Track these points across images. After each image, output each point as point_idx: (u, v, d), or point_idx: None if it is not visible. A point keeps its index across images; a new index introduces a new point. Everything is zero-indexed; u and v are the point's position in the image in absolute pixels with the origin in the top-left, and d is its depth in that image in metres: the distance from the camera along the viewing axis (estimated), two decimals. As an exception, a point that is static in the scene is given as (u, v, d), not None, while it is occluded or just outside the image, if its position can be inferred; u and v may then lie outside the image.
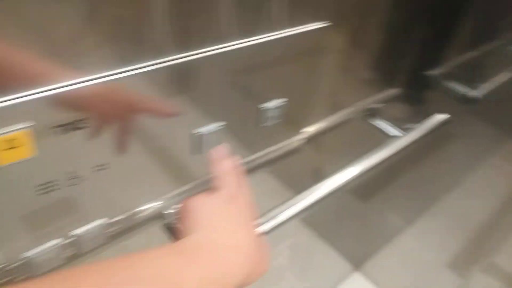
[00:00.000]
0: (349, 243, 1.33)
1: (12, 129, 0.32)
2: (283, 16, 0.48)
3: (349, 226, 1.31)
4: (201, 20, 0.41)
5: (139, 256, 0.27)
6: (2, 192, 0.35)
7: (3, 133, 0.32)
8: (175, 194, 0.53)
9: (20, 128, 0.33)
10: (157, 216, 0.53)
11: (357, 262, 1.35)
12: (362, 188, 1.23)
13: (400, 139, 0.82)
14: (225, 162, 0.43)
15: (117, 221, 0.47)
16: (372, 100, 0.84)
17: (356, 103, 0.80)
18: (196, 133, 0.47)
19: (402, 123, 0.88)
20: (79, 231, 0.43)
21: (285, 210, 0.63)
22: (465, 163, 1.41)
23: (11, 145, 0.33)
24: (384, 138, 0.86)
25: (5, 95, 0.32)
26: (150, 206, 0.51)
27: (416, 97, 0.99)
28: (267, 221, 0.59)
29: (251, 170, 0.64)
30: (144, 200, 0.49)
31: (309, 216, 1.13)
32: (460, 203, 1.42)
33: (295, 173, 0.82)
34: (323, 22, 0.53)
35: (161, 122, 0.44)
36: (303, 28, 0.51)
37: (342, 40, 0.62)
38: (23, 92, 0.32)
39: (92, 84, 0.35)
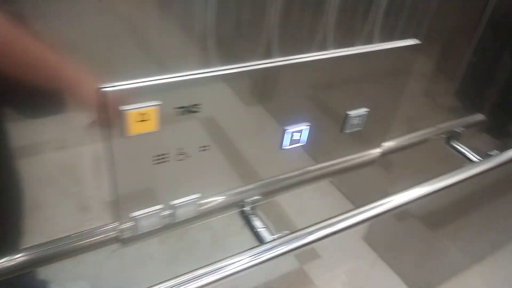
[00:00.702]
0: (412, 270, 1.32)
1: (146, 105, 0.41)
2: (375, 31, 0.53)
3: (414, 253, 1.31)
4: (304, 30, 0.47)
5: None
6: (127, 157, 0.43)
7: (139, 108, 0.40)
8: (257, 186, 0.60)
9: (151, 105, 0.41)
10: (239, 202, 0.60)
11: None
12: (431, 217, 1.22)
13: (474, 165, 0.82)
14: None
15: (208, 201, 0.54)
16: (453, 124, 0.86)
17: (436, 124, 0.83)
18: (285, 130, 0.53)
19: (481, 150, 0.88)
20: (177, 201, 0.50)
21: (342, 221, 0.66)
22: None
23: (142, 118, 0.41)
24: (460, 163, 0.86)
25: (142, 78, 0.40)
26: (235, 192, 0.58)
27: (499, 125, 0.98)
28: (321, 229, 0.63)
29: (322, 176, 0.69)
30: (230, 186, 0.56)
31: (374, 241, 1.15)
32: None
33: (360, 188, 0.85)
34: (412, 40, 0.58)
35: (255, 118, 0.51)
36: (392, 44, 0.56)
37: (429, 59, 0.66)
38: (156, 76, 0.41)
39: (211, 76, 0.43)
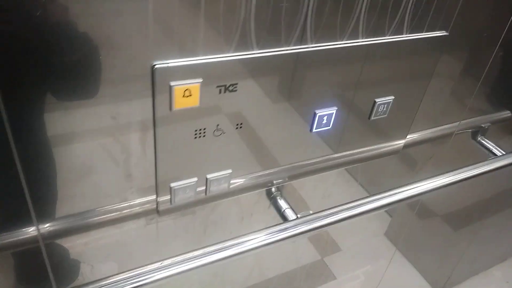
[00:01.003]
0: (433, 267, 1.35)
1: (191, 82, 0.46)
2: (405, 22, 0.57)
3: (435, 251, 1.33)
4: (337, 19, 0.51)
5: None
6: (170, 130, 0.48)
7: (185, 84, 0.45)
8: (284, 168, 0.64)
9: (195, 82, 0.46)
10: (267, 182, 0.64)
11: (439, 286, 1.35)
12: (454, 216, 1.24)
13: (497, 159, 0.84)
14: None
15: (238, 178, 0.59)
16: (479, 119, 0.88)
17: (462, 119, 0.85)
18: (315, 113, 0.58)
19: (508, 147, 0.90)
20: (211, 175, 0.55)
21: (363, 205, 0.69)
22: None
23: (186, 94, 0.46)
24: (484, 157, 0.88)
25: (189, 57, 0.45)
26: (263, 173, 0.62)
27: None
28: (342, 211, 0.67)
29: (346, 163, 0.72)
30: (260, 165, 0.61)
31: (395, 236, 1.18)
32: None
33: (382, 179, 0.88)
34: (440, 32, 0.61)
35: (286, 100, 0.55)
36: (421, 35, 0.60)
37: (456, 52, 0.69)
38: (200, 56, 0.46)
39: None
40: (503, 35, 0.71)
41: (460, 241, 1.29)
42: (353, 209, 0.69)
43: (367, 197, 0.71)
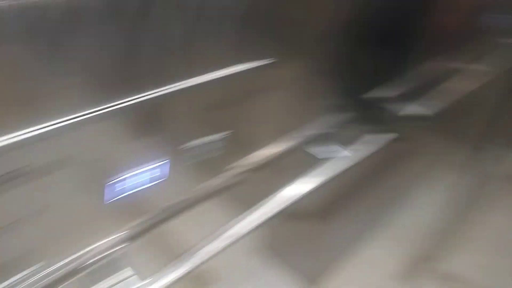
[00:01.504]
0: (306, 261, 1.39)
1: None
2: (229, 55, 0.53)
3: (309, 248, 1.37)
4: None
5: None
6: None
7: None
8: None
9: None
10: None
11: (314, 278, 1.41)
12: (320, 212, 1.29)
13: (344, 160, 0.89)
14: None
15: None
16: (321, 126, 0.89)
17: (305, 130, 0.85)
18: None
19: (353, 145, 0.93)
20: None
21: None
22: (412, 178, 1.52)
23: None
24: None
25: None
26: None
27: (367, 119, 1.04)
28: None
29: (204, 198, 0.67)
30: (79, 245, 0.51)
31: (272, 249, 1.18)
32: (407, 214, 1.53)
33: (244, 200, 0.85)
34: (267, 60, 0.58)
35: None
36: (248, 65, 0.56)
37: (287, 74, 0.67)
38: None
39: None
40: (328, 47, 0.72)
41: (325, 229, 1.35)
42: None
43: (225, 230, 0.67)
